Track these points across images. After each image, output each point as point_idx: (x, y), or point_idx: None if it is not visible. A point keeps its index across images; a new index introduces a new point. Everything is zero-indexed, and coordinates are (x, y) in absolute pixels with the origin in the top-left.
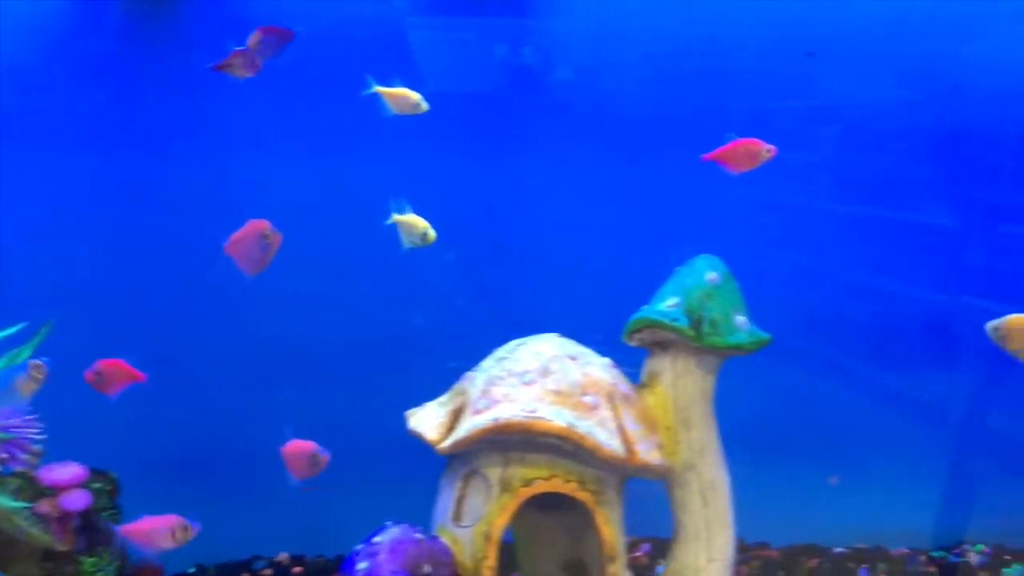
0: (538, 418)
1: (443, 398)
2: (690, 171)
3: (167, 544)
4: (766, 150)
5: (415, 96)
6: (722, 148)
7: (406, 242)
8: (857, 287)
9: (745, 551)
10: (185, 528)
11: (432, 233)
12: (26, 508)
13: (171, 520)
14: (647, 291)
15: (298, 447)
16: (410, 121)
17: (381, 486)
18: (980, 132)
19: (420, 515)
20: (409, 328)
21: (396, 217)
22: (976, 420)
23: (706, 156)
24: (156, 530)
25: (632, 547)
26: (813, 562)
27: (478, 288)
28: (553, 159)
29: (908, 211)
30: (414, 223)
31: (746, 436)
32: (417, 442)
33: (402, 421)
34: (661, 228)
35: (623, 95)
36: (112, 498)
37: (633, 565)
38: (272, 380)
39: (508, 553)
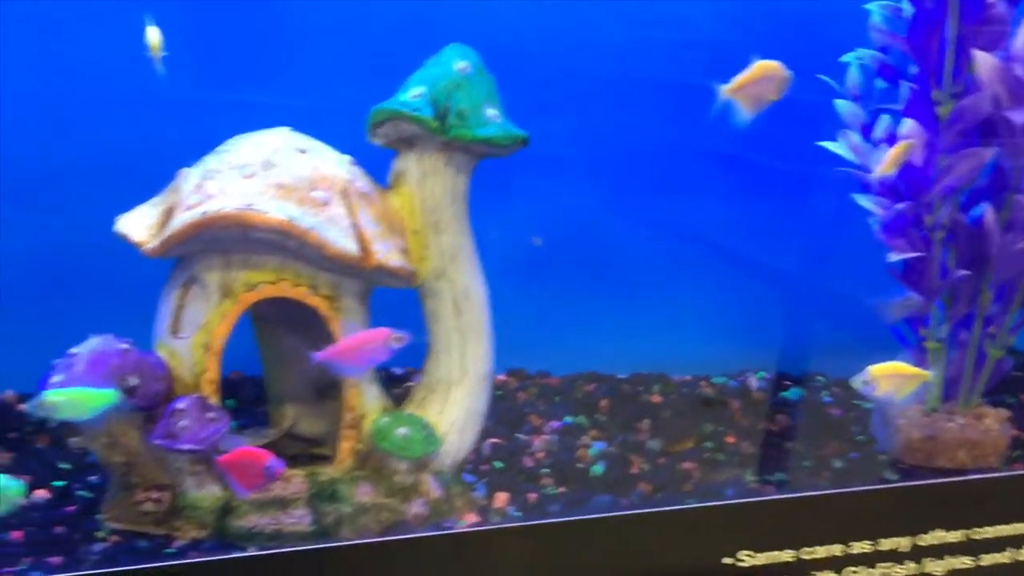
0: (254, 211)
1: (156, 199)
2: None
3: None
4: None
5: None
6: None
7: None
8: None
9: (525, 379)
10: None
11: None
12: None
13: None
14: None
15: None
16: None
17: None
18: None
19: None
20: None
21: None
22: (762, 253)
23: None
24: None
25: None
26: (590, 387)
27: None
28: None
29: None
30: None
31: (528, 262)
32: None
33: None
34: None
35: None
36: None
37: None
38: None
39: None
